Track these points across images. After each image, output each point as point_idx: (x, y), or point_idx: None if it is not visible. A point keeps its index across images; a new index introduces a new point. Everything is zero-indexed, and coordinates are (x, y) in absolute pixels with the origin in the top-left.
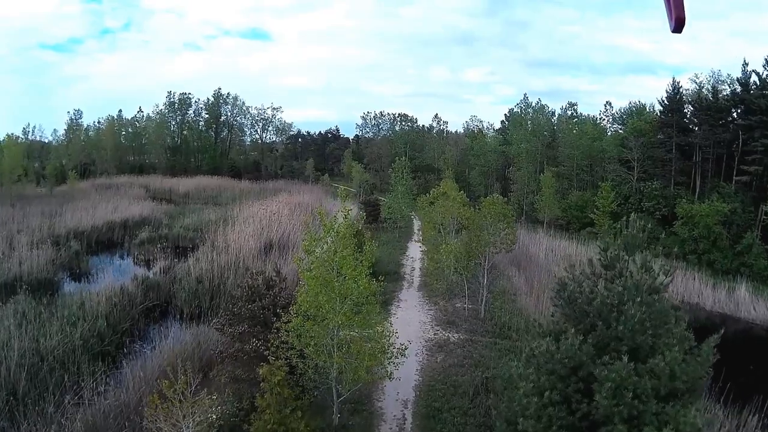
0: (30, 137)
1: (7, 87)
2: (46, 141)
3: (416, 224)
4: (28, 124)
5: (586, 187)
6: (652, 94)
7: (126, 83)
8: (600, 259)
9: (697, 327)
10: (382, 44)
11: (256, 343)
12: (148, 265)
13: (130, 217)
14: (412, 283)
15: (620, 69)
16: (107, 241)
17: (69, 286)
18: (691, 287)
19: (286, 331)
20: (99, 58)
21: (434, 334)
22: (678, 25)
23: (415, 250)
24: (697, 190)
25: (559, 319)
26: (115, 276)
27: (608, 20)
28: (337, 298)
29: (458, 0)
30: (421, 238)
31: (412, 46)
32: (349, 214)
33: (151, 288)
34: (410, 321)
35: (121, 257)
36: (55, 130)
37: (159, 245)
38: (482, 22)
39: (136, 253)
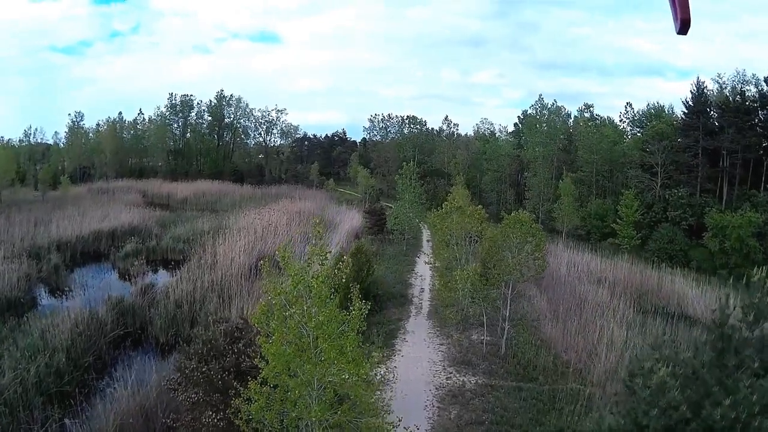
0: (32, 139)
1: (17, 89)
2: (51, 143)
3: (425, 234)
4: (30, 126)
5: (606, 194)
6: (659, 95)
7: (135, 86)
8: (714, 341)
9: None
10: (390, 46)
11: (213, 418)
12: (129, 281)
13: (120, 226)
14: (421, 308)
15: (628, 71)
16: (93, 252)
17: (41, 307)
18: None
19: (247, 411)
20: (108, 60)
21: (447, 378)
22: (683, 26)
23: (424, 267)
24: (725, 198)
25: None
26: (93, 294)
27: (617, 22)
28: (313, 381)
29: (466, 3)
30: (431, 258)
31: (420, 48)
32: (326, 260)
33: (126, 312)
34: (418, 360)
35: (104, 272)
36: (56, 132)
37: (144, 259)
38: (491, 24)
39: (119, 267)
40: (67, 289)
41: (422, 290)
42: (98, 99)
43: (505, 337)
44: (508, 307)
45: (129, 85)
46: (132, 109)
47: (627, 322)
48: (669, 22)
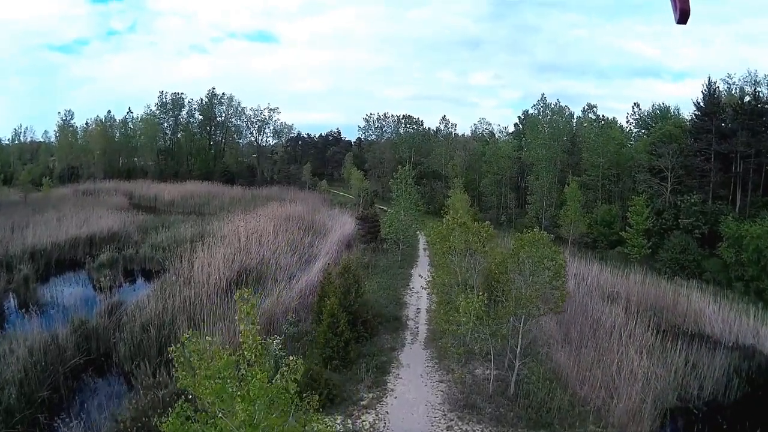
0: (22, 138)
1: (15, 88)
2: (44, 142)
3: (422, 241)
4: (20, 125)
5: (612, 200)
6: (657, 97)
7: (134, 85)
8: None
9: (757, 377)
10: (390, 47)
11: None
12: (102, 295)
13: (99, 231)
14: (417, 334)
15: (626, 72)
16: (69, 261)
17: (5, 328)
18: (745, 325)
19: None
20: (106, 59)
21: (447, 428)
22: (682, 17)
23: (420, 281)
24: (738, 205)
25: None
26: (58, 312)
27: (615, 25)
28: None
29: (466, 5)
30: (428, 282)
31: (419, 49)
32: (264, 355)
33: (89, 335)
34: (414, 403)
35: (76, 283)
36: (45, 131)
37: (121, 269)
38: (490, 26)
39: (93, 279)
40: (35, 305)
41: (418, 310)
42: (97, 98)
43: (514, 376)
44: (520, 343)
45: (127, 85)
46: (131, 108)
47: (647, 349)
48: (668, 24)
